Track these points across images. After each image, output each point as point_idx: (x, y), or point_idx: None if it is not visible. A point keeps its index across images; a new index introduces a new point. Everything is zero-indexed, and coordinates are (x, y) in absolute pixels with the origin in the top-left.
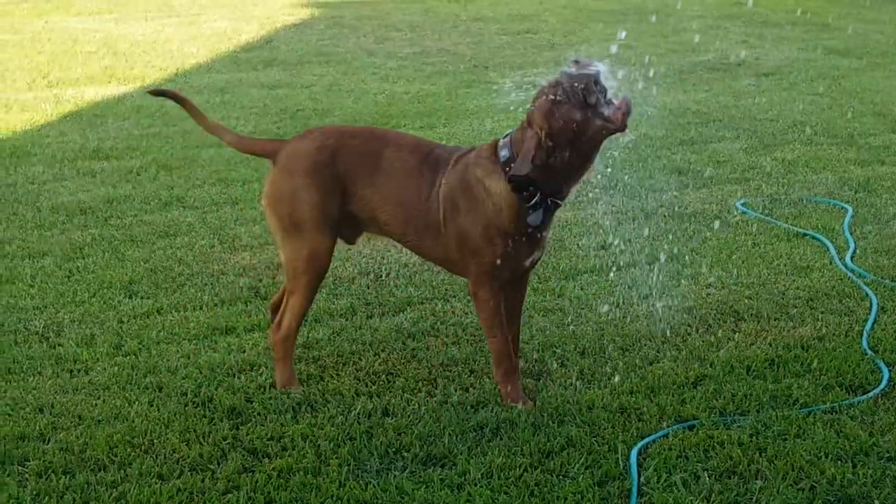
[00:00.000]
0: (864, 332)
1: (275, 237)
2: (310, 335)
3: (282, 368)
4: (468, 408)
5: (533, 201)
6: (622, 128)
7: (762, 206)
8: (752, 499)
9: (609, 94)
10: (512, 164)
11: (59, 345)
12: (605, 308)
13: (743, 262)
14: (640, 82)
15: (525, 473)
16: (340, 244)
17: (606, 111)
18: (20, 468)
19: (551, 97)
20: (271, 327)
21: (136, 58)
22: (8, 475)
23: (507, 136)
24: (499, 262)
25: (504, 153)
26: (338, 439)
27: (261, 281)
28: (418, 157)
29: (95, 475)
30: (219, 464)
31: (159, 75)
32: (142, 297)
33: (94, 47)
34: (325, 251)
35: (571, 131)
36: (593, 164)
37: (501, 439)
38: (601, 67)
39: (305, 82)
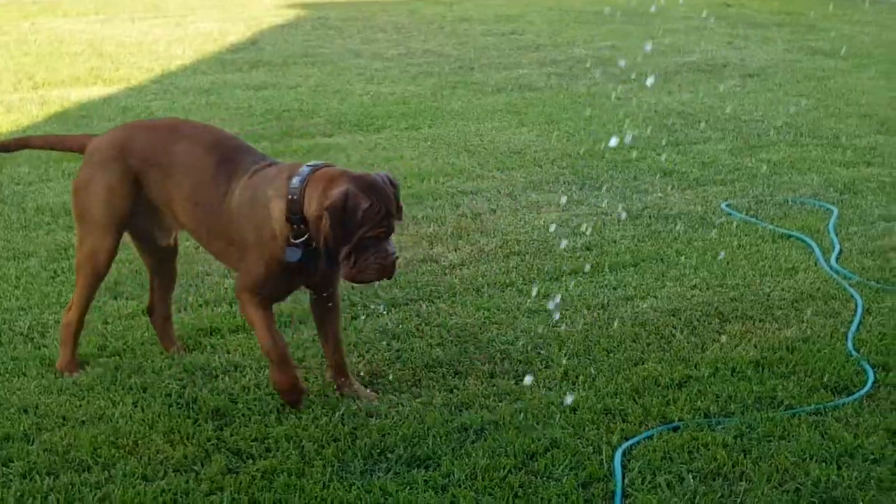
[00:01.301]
0: (849, 334)
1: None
2: (294, 336)
3: (63, 352)
4: (452, 409)
5: (300, 240)
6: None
7: (747, 208)
8: (736, 500)
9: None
10: (293, 197)
11: (43, 346)
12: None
13: (728, 264)
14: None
15: (509, 475)
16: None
17: (351, 261)
18: (4, 469)
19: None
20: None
21: (123, 59)
22: None
23: (311, 165)
24: (264, 281)
25: (295, 182)
26: (322, 440)
27: None
28: (216, 158)
29: (80, 476)
30: (203, 465)
31: (145, 76)
32: (126, 298)
33: (80, 48)
34: (103, 250)
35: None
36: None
37: (485, 441)
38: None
39: (291, 83)
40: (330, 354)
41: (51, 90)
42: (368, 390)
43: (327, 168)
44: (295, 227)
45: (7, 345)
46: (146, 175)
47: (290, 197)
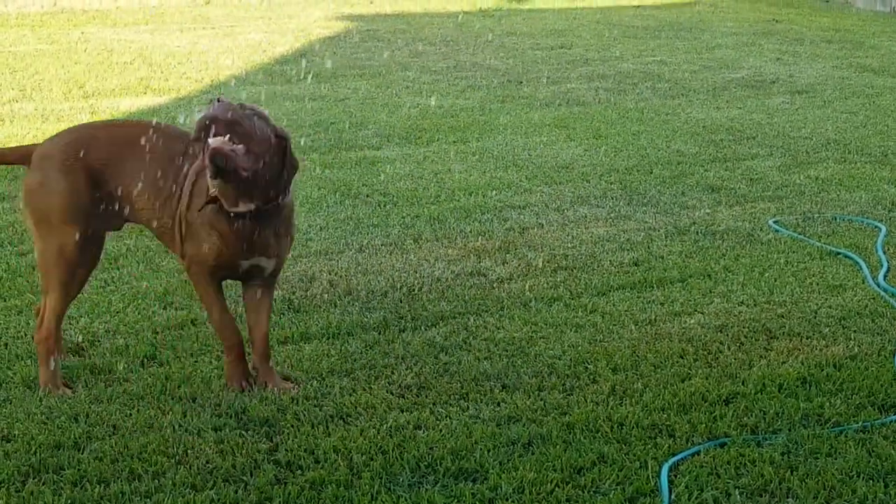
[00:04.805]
0: None
1: (32, 236)
2: (343, 348)
3: (43, 369)
4: (500, 423)
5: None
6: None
7: (795, 225)
8: None
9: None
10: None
11: (94, 354)
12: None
13: (775, 281)
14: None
15: (556, 489)
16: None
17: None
18: (55, 476)
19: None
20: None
21: (172, 69)
22: (43, 483)
23: None
24: (207, 252)
25: None
26: (370, 452)
27: (294, 293)
28: (180, 147)
29: (130, 485)
30: (252, 475)
31: (194, 87)
32: (176, 308)
33: (130, 58)
34: (73, 245)
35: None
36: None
37: (533, 454)
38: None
39: (339, 95)
40: (256, 342)
41: (101, 100)
42: (288, 382)
43: None
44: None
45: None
46: (108, 171)
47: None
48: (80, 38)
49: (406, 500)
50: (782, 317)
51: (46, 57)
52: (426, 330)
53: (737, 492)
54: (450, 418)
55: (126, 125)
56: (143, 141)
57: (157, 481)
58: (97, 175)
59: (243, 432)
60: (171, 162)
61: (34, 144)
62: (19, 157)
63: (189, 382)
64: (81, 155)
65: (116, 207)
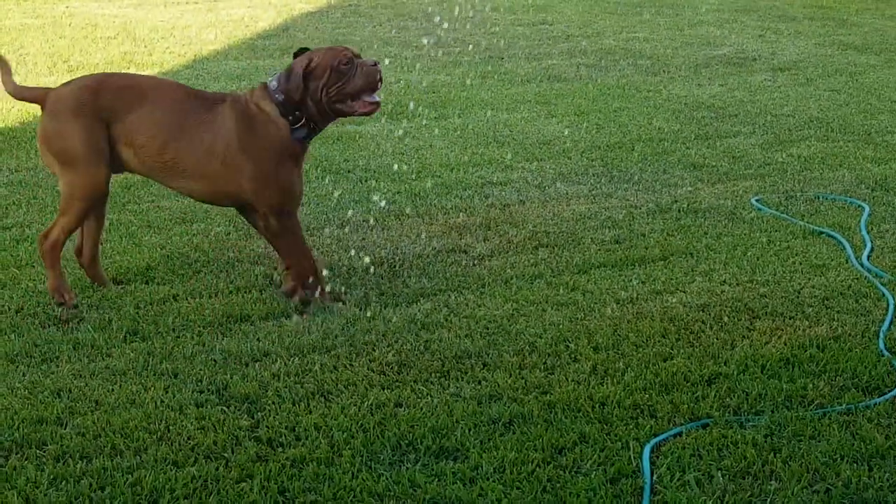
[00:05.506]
0: (881, 333)
1: (53, 171)
2: (324, 324)
3: (52, 275)
4: (481, 401)
5: (299, 123)
6: (366, 114)
7: (777, 203)
8: (766, 500)
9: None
10: (280, 98)
11: (76, 329)
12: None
13: (758, 260)
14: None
15: (538, 469)
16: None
17: (360, 101)
18: (38, 452)
19: (342, 57)
20: (39, 237)
21: (155, 44)
22: (26, 459)
23: (276, 75)
24: (289, 181)
25: (273, 84)
26: (351, 430)
27: (275, 269)
28: (183, 92)
29: (112, 460)
30: (233, 452)
31: (177, 61)
32: (158, 283)
33: (114, 33)
34: (101, 180)
35: (327, 88)
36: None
37: (514, 433)
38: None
39: None
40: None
41: (85, 74)
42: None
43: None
44: (291, 118)
45: (40, 328)
46: (117, 117)
47: (277, 98)
48: (64, 12)
49: (387, 478)
50: (765, 296)
51: (31, 31)
52: (407, 307)
53: (719, 473)
54: (430, 396)
55: (139, 76)
56: (157, 92)
57: (138, 457)
58: (107, 119)
59: (225, 409)
60: (194, 113)
61: (48, 87)
62: (34, 97)
63: (171, 358)
64: (93, 99)
65: (122, 152)
